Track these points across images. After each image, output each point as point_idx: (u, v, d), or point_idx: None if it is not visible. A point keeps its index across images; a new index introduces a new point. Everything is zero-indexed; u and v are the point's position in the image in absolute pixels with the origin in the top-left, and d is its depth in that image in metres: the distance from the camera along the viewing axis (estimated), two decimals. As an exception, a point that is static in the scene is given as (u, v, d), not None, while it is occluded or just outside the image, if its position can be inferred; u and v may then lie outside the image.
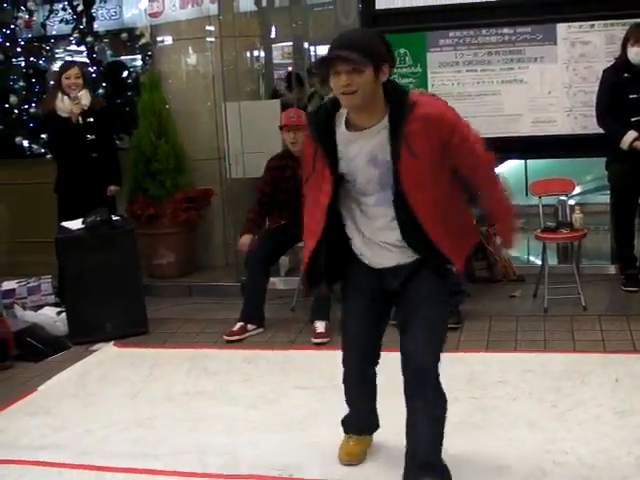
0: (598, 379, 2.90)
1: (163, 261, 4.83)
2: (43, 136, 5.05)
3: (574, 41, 4.23)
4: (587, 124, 4.18)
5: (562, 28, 4.23)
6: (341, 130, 1.99)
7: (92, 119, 4.31)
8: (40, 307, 4.20)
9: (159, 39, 5.12)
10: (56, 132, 4.36)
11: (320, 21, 5.62)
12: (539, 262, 4.15)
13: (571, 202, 4.55)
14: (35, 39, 5.38)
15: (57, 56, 5.49)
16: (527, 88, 4.29)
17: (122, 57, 5.42)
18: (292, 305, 4.18)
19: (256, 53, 5.33)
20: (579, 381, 2.90)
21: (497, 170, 2.12)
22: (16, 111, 5.15)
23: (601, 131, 3.99)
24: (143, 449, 2.58)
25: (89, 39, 5.16)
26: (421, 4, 4.39)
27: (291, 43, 5.43)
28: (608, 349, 3.24)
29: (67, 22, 5.22)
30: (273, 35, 5.62)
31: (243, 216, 4.32)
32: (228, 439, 2.61)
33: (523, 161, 5.40)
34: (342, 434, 2.43)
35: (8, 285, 4.38)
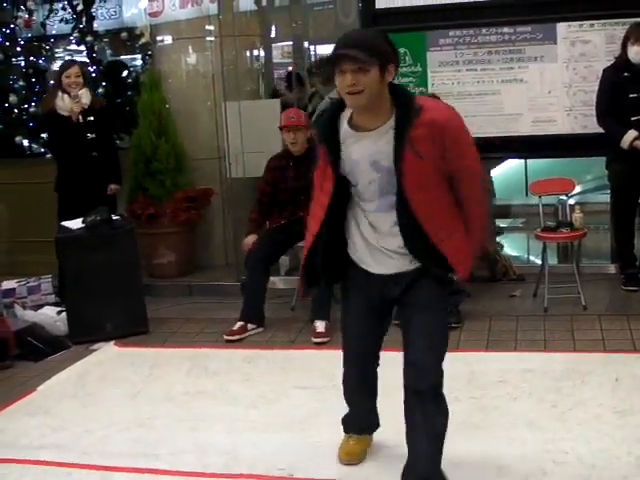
0: (598, 379, 2.90)
1: (163, 261, 4.83)
2: (43, 136, 5.05)
3: (574, 40, 4.22)
4: (587, 123, 4.18)
5: (562, 27, 4.22)
6: (344, 130, 1.98)
7: (92, 118, 4.31)
8: (40, 306, 4.20)
9: (159, 38, 5.12)
10: (56, 131, 4.36)
11: (320, 20, 5.62)
12: (539, 261, 4.15)
13: (571, 202, 4.56)
14: (35, 38, 5.37)
15: (57, 55, 5.48)
16: (527, 87, 4.29)
17: (122, 57, 5.42)
18: (292, 304, 4.18)
19: (256, 52, 5.33)
20: (579, 381, 2.90)
21: (484, 197, 2.13)
22: (16, 110, 5.14)
23: (601, 130, 3.99)
24: (143, 449, 2.58)
25: (89, 38, 5.15)
26: (421, 3, 4.39)
27: (291, 42, 5.44)
28: (608, 349, 3.24)
29: (67, 21, 5.22)
30: (273, 34, 5.62)
31: (243, 216, 4.32)
32: (228, 439, 2.62)
33: (523, 161, 5.41)
34: (342, 434, 2.43)
35: (8, 284, 4.38)
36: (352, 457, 2.36)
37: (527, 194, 4.46)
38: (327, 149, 2.00)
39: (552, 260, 4.25)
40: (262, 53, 5.41)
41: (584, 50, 4.20)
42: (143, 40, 5.21)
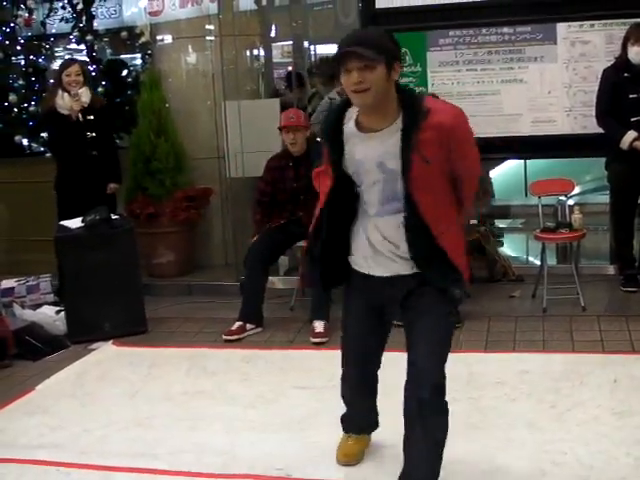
0: (597, 380, 2.90)
1: (162, 260, 4.83)
2: (43, 135, 5.05)
3: (574, 41, 4.22)
4: (587, 124, 4.18)
5: (562, 28, 4.22)
6: (349, 129, 1.96)
7: (92, 117, 4.31)
8: (39, 306, 4.20)
9: (159, 38, 5.12)
10: (56, 129, 4.36)
11: (320, 20, 5.62)
12: (538, 262, 4.14)
13: (570, 202, 4.55)
14: (35, 37, 5.37)
15: (57, 55, 5.47)
16: (527, 88, 4.29)
17: (122, 56, 5.41)
18: (291, 304, 4.18)
19: (256, 52, 5.33)
20: (578, 382, 2.90)
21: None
22: (15, 110, 5.14)
23: (601, 131, 3.99)
24: (142, 449, 2.58)
25: (89, 38, 5.15)
26: (421, 3, 4.39)
27: (291, 42, 5.43)
28: (607, 349, 3.24)
29: (67, 20, 5.21)
30: (273, 34, 5.62)
31: (243, 215, 4.32)
32: (227, 439, 2.61)
33: (523, 161, 5.41)
34: (341, 433, 2.42)
35: (7, 284, 4.38)
36: (350, 458, 2.35)
37: (526, 194, 4.45)
38: (330, 148, 1.98)
39: (551, 261, 4.25)
40: (262, 53, 5.42)
41: (584, 50, 4.21)
42: (143, 39, 5.20)
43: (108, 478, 2.40)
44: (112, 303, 3.82)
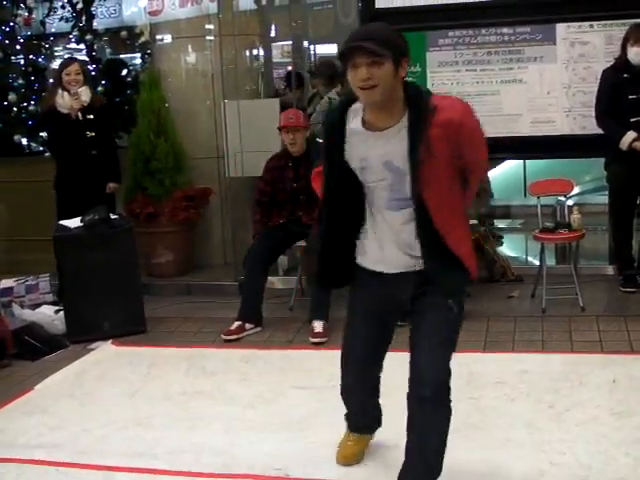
0: (596, 380, 2.90)
1: (161, 260, 4.83)
2: (42, 134, 5.04)
3: (573, 41, 4.23)
4: (586, 124, 4.18)
5: (561, 28, 4.23)
6: (353, 127, 1.93)
7: (92, 116, 4.30)
8: (38, 305, 4.20)
9: (158, 37, 5.11)
10: (56, 129, 4.35)
11: (320, 20, 5.63)
12: (537, 262, 4.14)
13: (569, 202, 4.56)
14: (34, 37, 5.37)
15: (56, 54, 5.47)
16: (526, 88, 4.29)
17: (121, 55, 5.41)
18: (290, 304, 4.18)
19: (255, 52, 5.33)
20: (577, 382, 2.90)
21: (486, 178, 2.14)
22: (15, 109, 5.14)
23: (600, 131, 3.99)
24: (141, 448, 2.58)
25: (88, 37, 5.15)
26: (421, 3, 4.39)
27: (291, 42, 5.43)
28: (606, 350, 3.24)
29: (66, 20, 5.21)
30: (273, 34, 5.62)
31: (242, 215, 4.32)
32: (226, 439, 2.62)
33: (522, 161, 5.42)
34: (340, 434, 2.42)
35: (6, 283, 4.37)
36: (349, 459, 2.35)
37: (526, 195, 4.46)
38: (330, 145, 1.95)
39: (550, 261, 4.25)
40: (262, 52, 5.41)
41: (583, 51, 4.21)
42: (143, 39, 5.20)
43: (107, 478, 2.40)
44: (111, 303, 3.82)
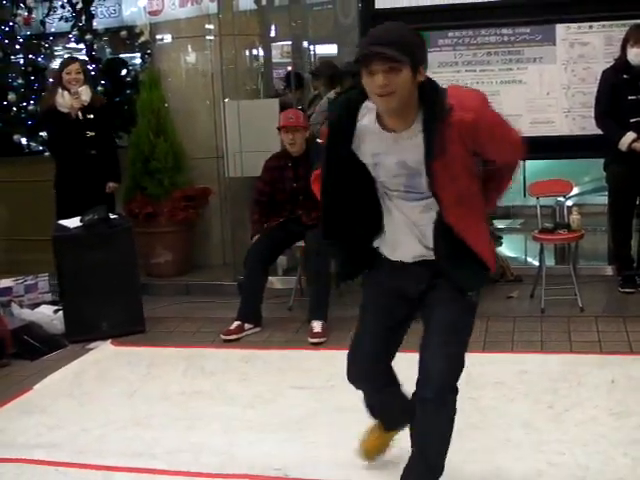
0: (594, 380, 2.90)
1: (161, 260, 4.83)
2: (42, 134, 5.04)
3: (573, 42, 4.23)
4: (585, 125, 4.18)
5: (561, 29, 4.23)
6: (366, 122, 1.86)
7: (92, 116, 4.30)
8: (37, 305, 4.20)
9: (158, 37, 5.12)
10: (56, 128, 4.35)
11: (319, 20, 5.63)
12: (536, 263, 4.15)
13: (569, 203, 4.56)
14: (34, 36, 5.37)
15: (56, 54, 5.47)
16: (526, 89, 4.29)
17: (121, 55, 5.41)
18: (289, 304, 4.18)
19: (255, 52, 5.33)
20: (575, 382, 2.90)
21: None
22: (14, 109, 5.14)
23: (599, 132, 3.99)
24: (140, 448, 2.58)
25: (88, 37, 5.15)
26: (421, 4, 4.39)
27: (290, 42, 5.44)
28: (605, 350, 3.25)
29: (66, 20, 5.21)
30: (272, 34, 5.63)
31: (241, 215, 4.32)
32: (225, 439, 2.62)
33: (521, 162, 5.40)
34: (339, 434, 2.42)
35: (5, 283, 4.37)
36: (369, 455, 2.27)
37: (525, 195, 4.45)
38: (336, 141, 1.88)
39: (549, 261, 4.26)
40: (261, 52, 5.42)
41: (583, 52, 4.21)
42: (142, 39, 5.20)
43: (106, 478, 2.40)
44: (110, 303, 3.82)
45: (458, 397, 1.94)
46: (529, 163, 5.30)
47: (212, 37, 4.92)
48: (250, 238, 3.97)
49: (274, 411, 2.82)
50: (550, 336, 3.45)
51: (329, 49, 6.03)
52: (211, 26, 4.91)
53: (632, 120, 3.83)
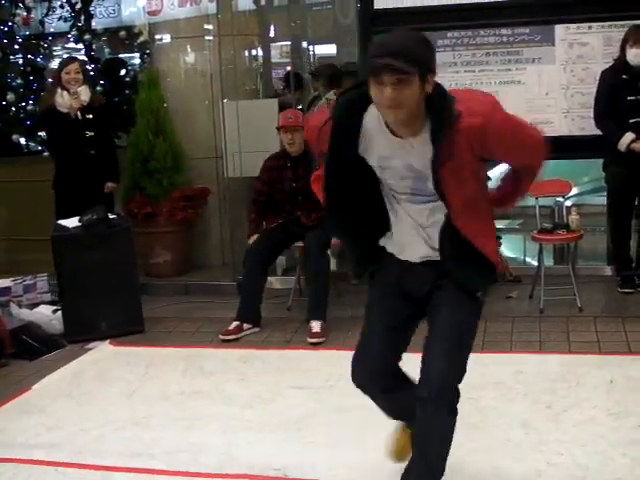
0: (593, 380, 2.91)
1: (159, 260, 4.83)
2: (40, 134, 5.04)
3: (572, 42, 4.23)
4: (584, 125, 4.19)
5: (560, 29, 4.23)
6: (373, 123, 1.84)
7: (91, 116, 4.30)
8: (36, 305, 4.19)
9: (157, 37, 5.12)
10: (55, 128, 4.35)
11: (319, 20, 5.63)
12: (535, 263, 4.15)
13: (568, 203, 4.56)
14: (33, 36, 5.37)
15: (55, 54, 5.47)
16: (525, 89, 4.30)
17: (120, 55, 5.41)
18: (288, 304, 4.18)
19: (254, 52, 5.33)
20: (574, 382, 2.90)
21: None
22: (13, 109, 5.13)
23: (598, 132, 3.99)
24: (138, 448, 2.58)
25: (87, 37, 5.15)
26: (419, 4, 4.39)
27: (289, 42, 5.44)
28: (603, 350, 3.25)
29: (65, 20, 5.20)
30: (272, 34, 5.63)
31: (240, 215, 4.32)
32: (224, 439, 2.61)
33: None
34: (337, 434, 2.41)
35: (4, 283, 4.36)
36: (396, 456, 2.20)
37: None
38: (340, 137, 1.85)
39: (548, 262, 4.26)
40: (260, 53, 5.42)
41: (582, 52, 4.21)
42: (141, 39, 5.20)
43: (105, 478, 2.40)
44: (109, 302, 3.82)
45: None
46: (528, 163, 5.30)
47: (211, 37, 4.92)
48: (247, 237, 3.97)
49: (273, 411, 2.82)
50: (549, 336, 3.45)
51: (328, 49, 6.02)
52: (210, 26, 4.91)
53: (631, 120, 3.84)
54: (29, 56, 5.27)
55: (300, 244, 3.97)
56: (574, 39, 4.23)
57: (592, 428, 2.52)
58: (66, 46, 5.39)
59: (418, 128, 1.80)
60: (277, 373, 3.22)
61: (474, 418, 2.63)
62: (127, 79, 5.23)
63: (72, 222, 3.95)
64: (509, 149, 1.88)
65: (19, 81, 5.19)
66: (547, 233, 3.96)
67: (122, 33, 5.23)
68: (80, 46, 5.21)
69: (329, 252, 3.88)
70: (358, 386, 2.05)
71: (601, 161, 4.11)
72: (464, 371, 1.93)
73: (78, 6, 5.14)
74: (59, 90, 4.27)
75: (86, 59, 5.06)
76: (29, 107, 5.10)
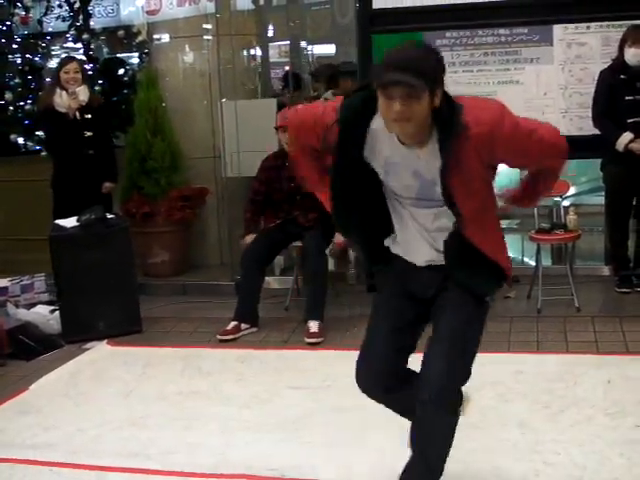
0: (591, 380, 2.91)
1: (157, 260, 4.82)
2: (38, 133, 5.04)
3: (570, 42, 4.23)
4: (582, 125, 4.18)
5: (558, 29, 4.23)
6: (381, 128, 1.81)
7: (90, 116, 4.30)
8: (33, 305, 4.19)
9: (156, 37, 5.11)
10: (54, 127, 4.34)
11: (317, 20, 5.64)
12: (533, 263, 4.15)
13: (566, 203, 4.56)
14: (31, 36, 5.36)
15: (53, 53, 5.47)
16: (523, 89, 4.29)
17: (119, 54, 5.41)
18: (286, 304, 4.17)
19: (253, 52, 5.33)
20: (572, 382, 2.90)
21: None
22: (11, 108, 5.13)
23: (596, 132, 3.99)
24: (135, 448, 2.58)
25: (85, 36, 5.14)
26: (418, 4, 4.39)
27: (288, 42, 5.44)
28: (601, 350, 3.25)
29: (64, 19, 5.20)
30: (270, 34, 5.62)
31: (238, 215, 4.31)
32: (221, 439, 2.61)
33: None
34: (334, 434, 2.41)
35: (1, 283, 4.36)
36: None
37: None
38: (348, 138, 1.84)
39: (546, 262, 4.26)
40: (259, 52, 5.42)
41: (580, 52, 4.21)
42: (140, 38, 5.20)
43: (100, 478, 2.40)
44: (107, 302, 3.81)
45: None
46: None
47: (210, 37, 4.91)
48: (242, 236, 3.96)
49: (270, 411, 2.82)
50: (547, 336, 3.45)
51: (327, 49, 6.03)
52: (209, 26, 4.91)
53: (629, 120, 3.84)
54: (27, 55, 5.26)
55: (298, 244, 3.96)
56: (572, 39, 4.22)
57: (589, 428, 2.52)
58: (64, 45, 5.38)
59: (425, 139, 1.79)
60: (275, 373, 3.22)
61: (472, 418, 2.61)
62: (125, 79, 5.22)
63: (70, 222, 3.94)
64: (520, 154, 1.87)
65: (17, 80, 5.18)
66: (545, 233, 3.96)
67: (121, 32, 5.23)
68: (78, 45, 5.20)
69: (327, 252, 3.88)
70: (362, 388, 2.03)
71: (599, 161, 4.11)
72: (467, 374, 1.93)
73: (77, 5, 5.14)
74: (58, 90, 4.27)
75: (84, 58, 5.05)
76: (27, 106, 5.10)
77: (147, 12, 5.15)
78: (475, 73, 4.34)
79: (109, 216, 4.06)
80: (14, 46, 5.25)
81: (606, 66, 4.00)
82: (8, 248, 5.19)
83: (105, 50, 5.48)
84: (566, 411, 2.66)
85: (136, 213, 4.67)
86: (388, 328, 1.99)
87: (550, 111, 4.28)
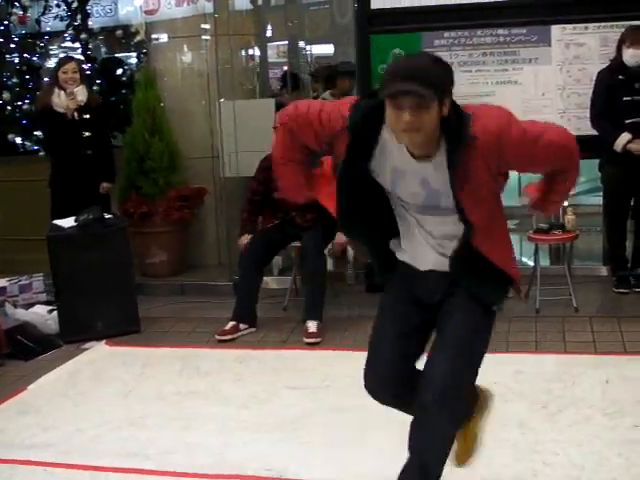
0: (589, 380, 2.91)
1: (156, 260, 4.82)
2: (36, 133, 5.03)
3: (568, 43, 4.24)
4: (580, 126, 4.19)
5: (556, 30, 4.24)
6: (390, 137, 1.80)
7: (88, 116, 4.29)
8: (31, 305, 4.18)
9: (154, 36, 5.11)
10: (52, 127, 4.34)
11: (316, 20, 5.64)
12: (531, 263, 4.15)
13: (564, 203, 4.57)
14: (29, 35, 5.35)
15: (51, 53, 5.46)
16: (521, 89, 4.30)
17: (117, 54, 5.40)
18: (284, 304, 4.17)
19: (251, 52, 5.33)
20: (570, 382, 2.91)
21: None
22: (9, 108, 5.12)
23: (594, 133, 4.00)
24: (134, 448, 2.58)
25: (83, 36, 5.14)
26: (416, 4, 4.39)
27: (286, 42, 5.44)
28: (599, 350, 3.25)
29: (62, 19, 5.20)
30: (268, 34, 5.62)
31: (236, 215, 4.31)
32: (219, 439, 2.61)
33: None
34: (333, 435, 2.41)
35: (-1, 283, 4.36)
36: (458, 461, 2.11)
37: (520, 195, 4.45)
38: (360, 146, 1.82)
39: (544, 262, 4.26)
40: (257, 52, 5.41)
41: (578, 53, 4.22)
42: (138, 38, 5.20)
43: (100, 478, 2.39)
44: (105, 302, 3.81)
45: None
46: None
47: (208, 37, 4.91)
48: (238, 236, 3.96)
49: (269, 411, 2.82)
50: (545, 336, 3.46)
51: (325, 49, 6.03)
52: (207, 26, 4.90)
53: (627, 121, 3.84)
54: (25, 55, 5.25)
55: (297, 244, 3.96)
56: (570, 39, 4.23)
57: (588, 428, 2.52)
58: (62, 45, 5.38)
59: (433, 149, 1.78)
60: (273, 373, 3.22)
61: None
62: (124, 78, 5.22)
63: (68, 222, 3.94)
64: (528, 160, 1.87)
65: (15, 80, 5.17)
66: (543, 233, 3.97)
67: (119, 32, 5.22)
68: (76, 45, 5.20)
69: (326, 252, 3.89)
70: (369, 391, 2.02)
71: (597, 161, 4.11)
72: (472, 381, 1.91)
73: (74, 5, 5.13)
74: (56, 90, 4.26)
75: (82, 58, 5.05)
76: (25, 106, 5.09)
77: (145, 12, 5.15)
78: (474, 73, 4.34)
79: (107, 216, 4.05)
80: (12, 46, 5.24)
81: (604, 67, 4.01)
82: (6, 248, 5.18)
83: (103, 50, 5.48)
84: (564, 411, 2.66)
85: (134, 213, 4.66)
86: (394, 334, 1.98)
87: (548, 111, 4.29)
